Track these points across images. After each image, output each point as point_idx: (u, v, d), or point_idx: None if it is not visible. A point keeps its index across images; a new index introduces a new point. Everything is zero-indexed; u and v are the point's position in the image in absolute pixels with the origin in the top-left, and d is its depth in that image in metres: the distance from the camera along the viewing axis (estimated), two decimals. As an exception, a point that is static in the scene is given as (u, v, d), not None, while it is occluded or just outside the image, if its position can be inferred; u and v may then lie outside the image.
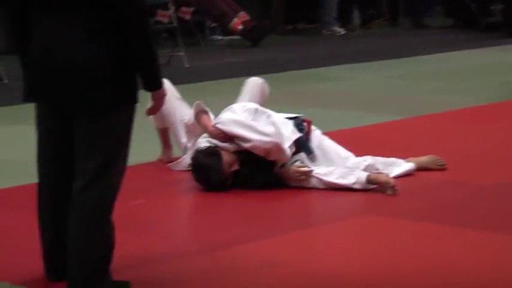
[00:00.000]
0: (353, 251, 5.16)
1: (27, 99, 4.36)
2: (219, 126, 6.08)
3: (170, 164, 6.70)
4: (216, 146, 5.97)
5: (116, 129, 4.30)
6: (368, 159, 6.39)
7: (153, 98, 4.10)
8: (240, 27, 13.09)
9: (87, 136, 4.26)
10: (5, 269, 4.70)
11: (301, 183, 6.11)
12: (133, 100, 4.15)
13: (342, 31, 14.62)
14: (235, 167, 5.92)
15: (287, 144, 6.03)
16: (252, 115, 6.28)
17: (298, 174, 6.00)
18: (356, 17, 15.60)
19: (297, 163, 6.17)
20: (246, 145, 5.97)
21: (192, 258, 4.99)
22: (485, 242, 5.29)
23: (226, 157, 5.86)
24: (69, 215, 4.31)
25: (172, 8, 11.75)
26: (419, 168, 6.43)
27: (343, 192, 6.16)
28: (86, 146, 4.29)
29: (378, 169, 6.36)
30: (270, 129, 6.08)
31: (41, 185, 4.46)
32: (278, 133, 6.06)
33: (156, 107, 4.18)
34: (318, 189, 6.20)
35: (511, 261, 4.88)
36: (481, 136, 7.94)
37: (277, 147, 5.94)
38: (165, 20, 11.63)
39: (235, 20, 13.10)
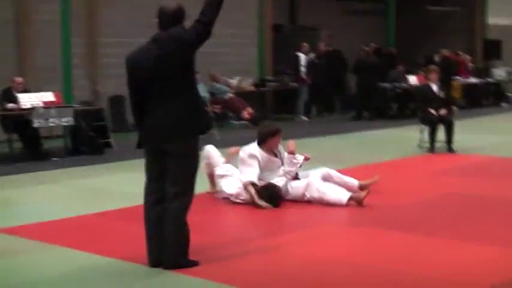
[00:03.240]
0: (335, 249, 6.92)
1: (140, 147, 6.25)
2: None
3: (215, 193, 9.26)
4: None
5: (190, 157, 6.11)
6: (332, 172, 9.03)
7: None
8: (247, 116, 17.70)
9: (173, 170, 6.05)
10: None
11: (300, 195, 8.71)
12: (198, 148, 6.17)
13: (305, 119, 19.69)
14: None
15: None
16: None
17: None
18: (314, 110, 20.76)
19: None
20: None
21: (227, 247, 6.78)
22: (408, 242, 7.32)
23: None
24: (164, 218, 6.10)
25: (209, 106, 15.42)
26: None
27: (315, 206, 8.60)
28: (173, 176, 6.07)
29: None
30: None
31: (150, 206, 6.25)
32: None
33: None
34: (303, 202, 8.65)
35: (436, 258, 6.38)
36: (419, 170, 11.53)
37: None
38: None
39: (244, 112, 17.78)
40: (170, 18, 6.06)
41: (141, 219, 6.37)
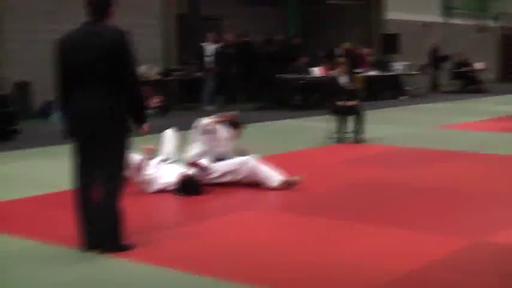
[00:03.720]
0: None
1: (67, 137, 6.26)
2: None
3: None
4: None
5: (118, 151, 6.20)
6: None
7: (141, 128, 6.23)
8: (154, 105, 18.09)
9: (102, 154, 6.14)
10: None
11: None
12: (128, 133, 6.11)
13: (211, 108, 19.28)
14: None
15: None
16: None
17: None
18: (220, 100, 20.63)
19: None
20: None
21: (158, 232, 7.24)
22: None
23: None
24: (97, 202, 6.17)
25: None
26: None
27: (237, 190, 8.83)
28: (102, 160, 6.16)
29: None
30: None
31: (80, 192, 6.28)
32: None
33: (144, 132, 6.27)
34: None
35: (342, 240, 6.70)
36: (330, 159, 11.64)
37: None
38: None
39: (152, 101, 18.05)
40: (97, 6, 6.19)
41: (66, 205, 6.54)
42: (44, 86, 16.53)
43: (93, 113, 6.06)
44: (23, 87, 17.14)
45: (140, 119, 6.19)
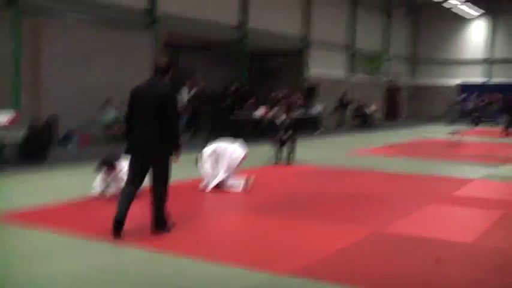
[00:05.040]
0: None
1: (127, 153, 6.51)
2: None
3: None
4: None
5: (164, 166, 6.42)
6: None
7: (176, 154, 6.34)
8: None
9: (155, 168, 6.42)
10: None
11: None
12: (170, 154, 6.37)
13: (185, 136, 18.99)
14: None
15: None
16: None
17: None
18: (191, 130, 19.80)
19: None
20: None
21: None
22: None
23: None
24: (152, 197, 6.46)
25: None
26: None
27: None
28: (156, 172, 6.44)
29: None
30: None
31: (127, 187, 6.51)
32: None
33: (177, 158, 6.39)
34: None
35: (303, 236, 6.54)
36: (273, 175, 11.50)
37: None
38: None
39: None
40: (159, 68, 6.49)
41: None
42: (67, 118, 16.50)
43: (147, 138, 6.30)
44: (52, 120, 16.91)
45: (175, 145, 6.35)
